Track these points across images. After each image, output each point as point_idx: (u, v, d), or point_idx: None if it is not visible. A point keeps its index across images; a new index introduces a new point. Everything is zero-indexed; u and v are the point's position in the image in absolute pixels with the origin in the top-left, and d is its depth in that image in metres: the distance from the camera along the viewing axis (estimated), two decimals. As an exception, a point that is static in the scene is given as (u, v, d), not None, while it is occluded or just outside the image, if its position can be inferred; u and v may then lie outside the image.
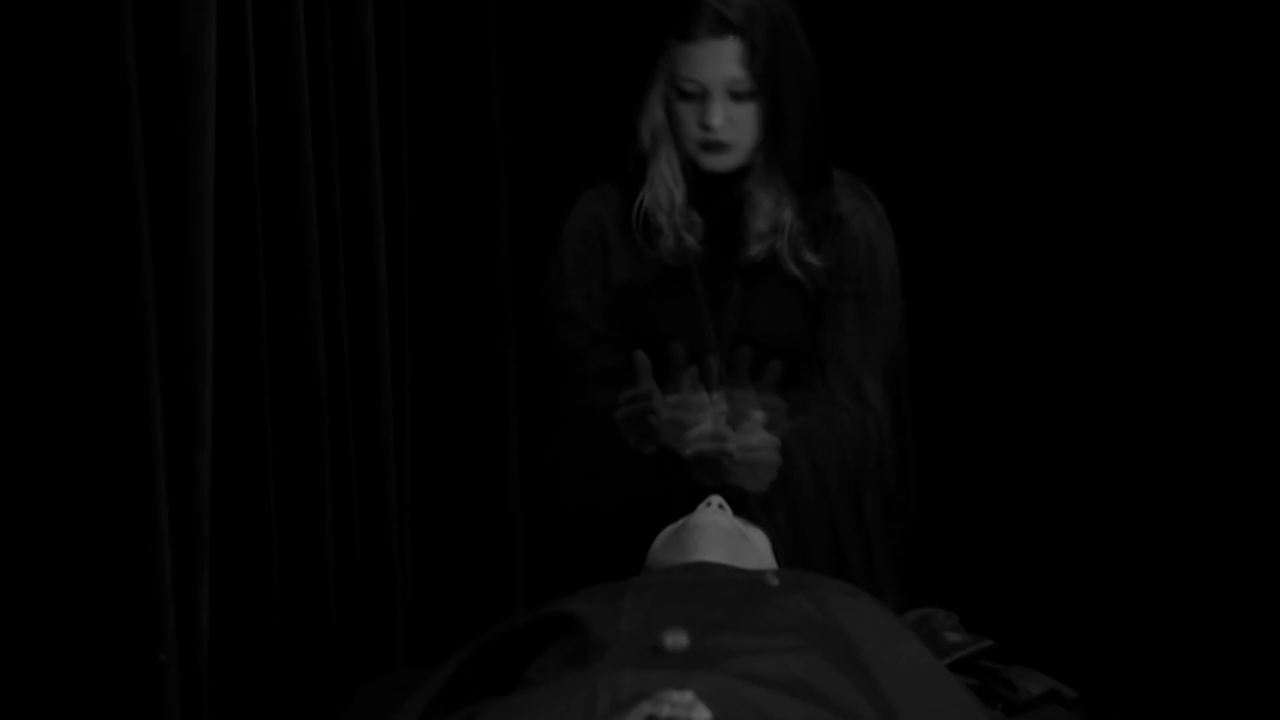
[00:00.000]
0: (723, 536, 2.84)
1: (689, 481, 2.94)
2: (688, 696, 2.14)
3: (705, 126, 3.02)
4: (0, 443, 2.62)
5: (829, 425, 3.01)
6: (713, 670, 2.24)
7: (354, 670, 3.20)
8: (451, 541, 3.64)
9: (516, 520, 3.67)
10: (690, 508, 2.92)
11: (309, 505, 3.11)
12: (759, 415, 2.87)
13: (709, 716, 2.10)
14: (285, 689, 3.06)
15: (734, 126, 3.02)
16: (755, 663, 2.28)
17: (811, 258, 3.08)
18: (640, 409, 2.89)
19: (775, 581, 2.57)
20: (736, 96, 3.01)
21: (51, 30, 2.60)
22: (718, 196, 3.09)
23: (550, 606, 2.54)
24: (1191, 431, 3.59)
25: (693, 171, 3.08)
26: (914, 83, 3.70)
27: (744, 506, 2.95)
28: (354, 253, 3.24)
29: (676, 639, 2.33)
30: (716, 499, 2.91)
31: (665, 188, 3.07)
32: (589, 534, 3.06)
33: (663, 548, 2.87)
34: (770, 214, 3.08)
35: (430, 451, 3.57)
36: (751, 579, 2.60)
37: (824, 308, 3.10)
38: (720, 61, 2.99)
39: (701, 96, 3.01)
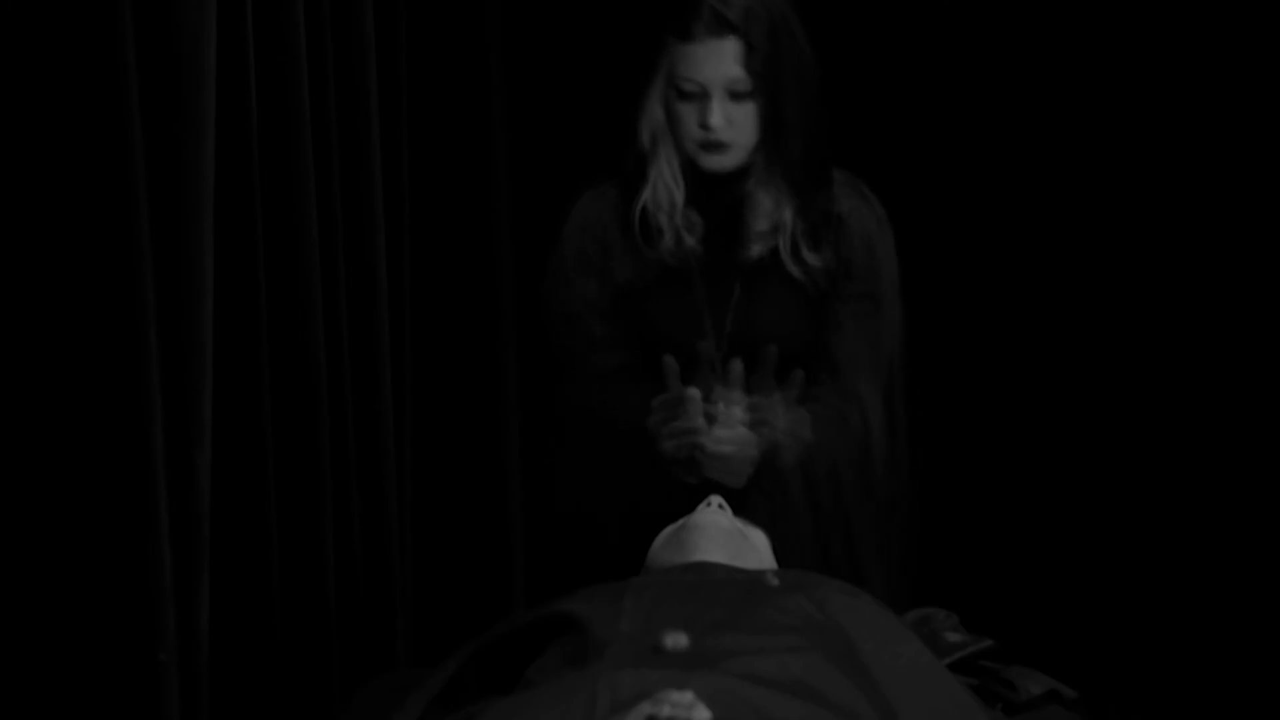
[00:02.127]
0: (723, 536, 2.82)
1: (689, 481, 2.92)
2: (688, 696, 2.12)
3: (705, 126, 3.01)
4: (0, 443, 2.60)
5: (828, 424, 3.00)
6: (713, 670, 2.22)
7: (354, 670, 3.20)
8: (451, 541, 3.64)
9: (516, 520, 3.67)
10: (690, 508, 2.91)
11: (309, 505, 3.11)
12: (736, 412, 2.85)
13: (709, 716, 2.09)
14: (285, 689, 3.06)
15: (733, 126, 3.02)
16: (755, 663, 2.26)
17: (811, 258, 3.08)
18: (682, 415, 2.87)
19: (775, 581, 2.55)
20: (736, 96, 3.01)
21: (51, 30, 2.59)
22: (718, 196, 3.09)
23: (550, 606, 2.52)
24: (1190, 432, 3.58)
25: (692, 171, 3.07)
26: (914, 83, 3.70)
27: (745, 506, 2.93)
28: (354, 253, 3.24)
29: (676, 639, 2.31)
30: (717, 499, 2.90)
31: (665, 188, 3.07)
32: (589, 534, 3.05)
33: (663, 548, 2.85)
34: (770, 214, 3.07)
35: (430, 451, 3.57)
36: (751, 579, 2.59)
37: (824, 307, 3.09)
38: (720, 61, 2.98)
39: (701, 96, 3.01)
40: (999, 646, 2.81)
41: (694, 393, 2.89)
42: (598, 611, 2.43)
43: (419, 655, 3.46)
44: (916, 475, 3.13)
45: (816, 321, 3.09)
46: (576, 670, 2.31)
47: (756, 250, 3.09)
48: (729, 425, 2.87)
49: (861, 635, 2.42)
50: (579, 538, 3.08)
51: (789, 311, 3.09)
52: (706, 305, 3.10)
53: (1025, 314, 3.69)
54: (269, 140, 2.98)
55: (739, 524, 2.89)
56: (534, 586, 3.63)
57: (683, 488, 2.92)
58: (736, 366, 2.89)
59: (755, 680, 2.23)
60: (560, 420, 3.11)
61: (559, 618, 2.47)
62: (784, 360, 2.95)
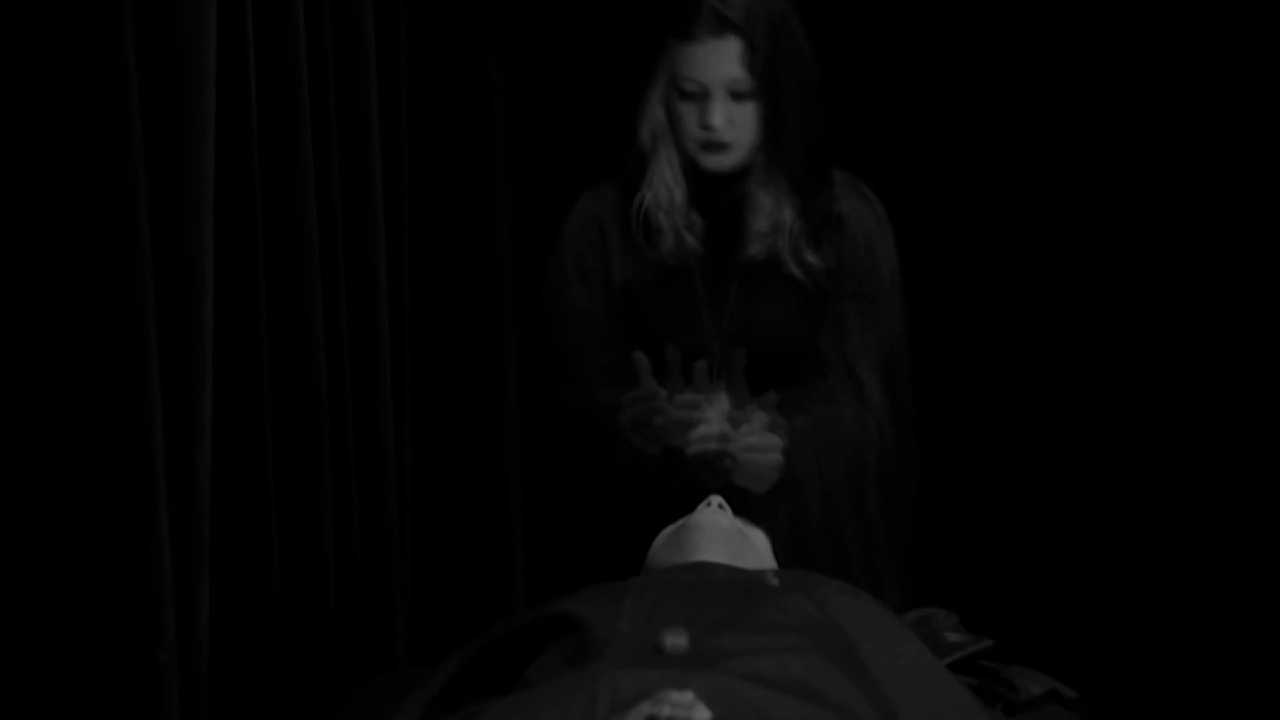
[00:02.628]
0: (723, 536, 2.81)
1: (689, 482, 2.91)
2: (688, 696, 2.11)
3: (706, 126, 3.01)
4: (1, 443, 2.60)
5: (831, 425, 2.99)
6: (713, 670, 2.21)
7: (354, 670, 3.19)
8: (451, 541, 3.63)
9: (516, 520, 3.65)
10: (690, 508, 2.90)
11: (309, 505, 3.10)
12: (763, 416, 2.86)
13: (709, 716, 2.08)
14: (285, 689, 3.05)
15: (734, 126, 3.01)
16: (755, 663, 2.25)
17: (812, 258, 3.07)
18: (647, 410, 2.87)
19: (775, 581, 2.54)
20: (737, 96, 3.00)
21: (52, 30, 2.58)
22: (718, 196, 3.09)
23: (550, 606, 2.51)
24: (1190, 431, 3.57)
25: (693, 171, 3.07)
26: (914, 83, 3.70)
27: (745, 506, 2.93)
28: (354, 253, 3.24)
29: (676, 639, 2.30)
30: (716, 499, 2.89)
31: (665, 187, 3.06)
32: (589, 534, 3.04)
33: (663, 548, 2.84)
34: (770, 214, 3.07)
35: (430, 451, 3.57)
36: (751, 579, 2.57)
37: (824, 307, 3.08)
38: (720, 61, 2.97)
39: (702, 96, 3.00)
40: (999, 646, 2.80)
41: (720, 399, 2.87)
42: (598, 611, 2.41)
43: (419, 655, 3.44)
44: (918, 474, 3.11)
45: (817, 321, 3.08)
46: (576, 670, 2.30)
47: (757, 250, 3.08)
48: (756, 431, 2.84)
49: (861, 635, 2.41)
50: (579, 538, 3.07)
51: (789, 311, 3.08)
52: (706, 305, 3.09)
53: (1025, 313, 3.68)
54: (269, 140, 2.97)
55: (739, 524, 2.88)
56: (534, 586, 3.62)
57: (683, 488, 2.91)
58: (700, 367, 2.88)
59: (755, 680, 2.22)
60: (560, 420, 3.10)
61: (559, 618, 2.46)
62: (784, 360, 2.93)
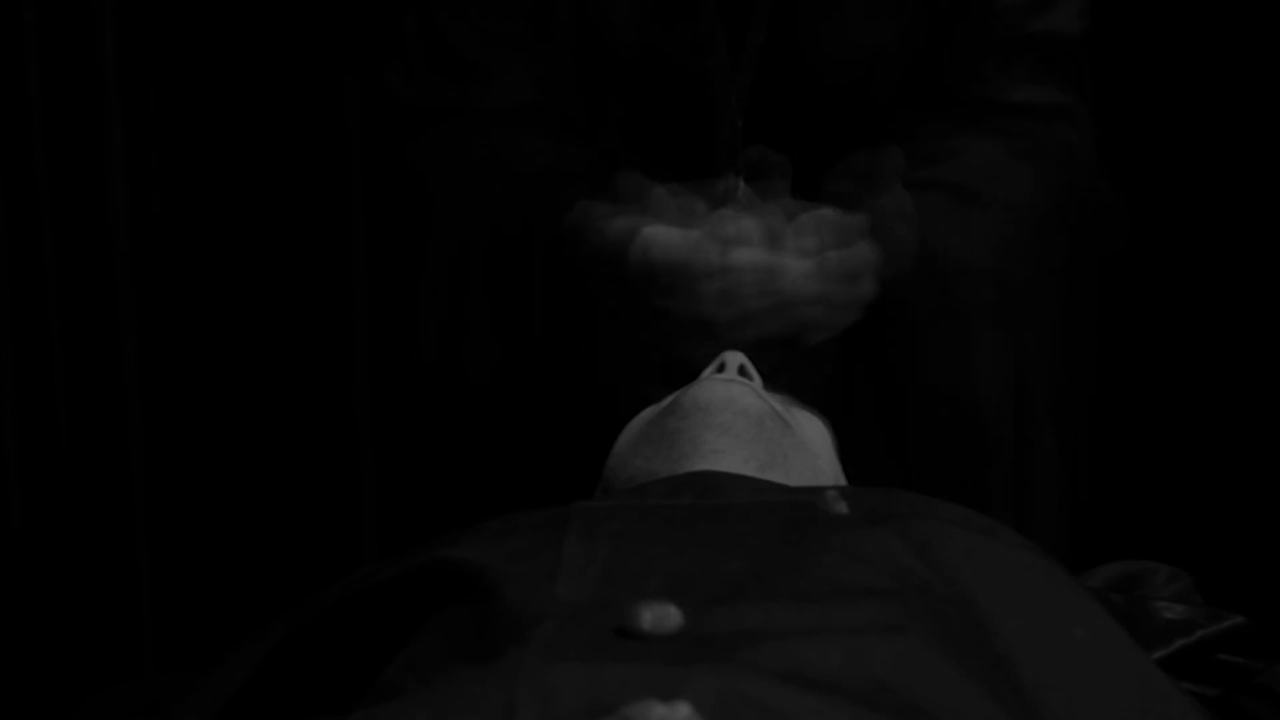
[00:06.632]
0: (747, 427, 1.97)
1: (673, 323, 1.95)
2: (681, 711, 1.49)
3: None
4: None
5: (1013, 168, 2.04)
6: (726, 664, 1.55)
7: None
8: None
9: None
10: (682, 370, 2.00)
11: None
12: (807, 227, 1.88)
13: (716, 749, 1.50)
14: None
15: None
16: (803, 651, 1.57)
17: None
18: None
19: (842, 507, 1.79)
20: None
21: None
22: None
23: (426, 553, 1.80)
24: None
25: None
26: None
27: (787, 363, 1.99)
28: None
29: (659, 613, 1.65)
30: (735, 358, 1.98)
31: None
32: (487, 426, 2.09)
33: (634, 447, 2.03)
34: None
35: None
36: (798, 504, 1.83)
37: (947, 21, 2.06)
38: None
39: None
40: (1253, 626, 1.90)
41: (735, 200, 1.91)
42: (515, 564, 1.74)
43: (177, 654, 2.89)
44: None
45: (928, 36, 2.06)
46: (477, 667, 1.62)
47: None
48: (803, 240, 1.88)
49: (999, 606, 1.70)
50: (459, 430, 2.12)
51: (879, 9, 2.03)
52: (719, 6, 2.04)
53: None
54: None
55: (777, 404, 2.01)
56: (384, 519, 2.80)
57: (665, 329, 1.96)
58: (761, 155, 1.93)
59: (801, 682, 1.53)
60: (422, 198, 2.10)
61: (441, 573, 1.77)
62: (864, 92, 1.96)
